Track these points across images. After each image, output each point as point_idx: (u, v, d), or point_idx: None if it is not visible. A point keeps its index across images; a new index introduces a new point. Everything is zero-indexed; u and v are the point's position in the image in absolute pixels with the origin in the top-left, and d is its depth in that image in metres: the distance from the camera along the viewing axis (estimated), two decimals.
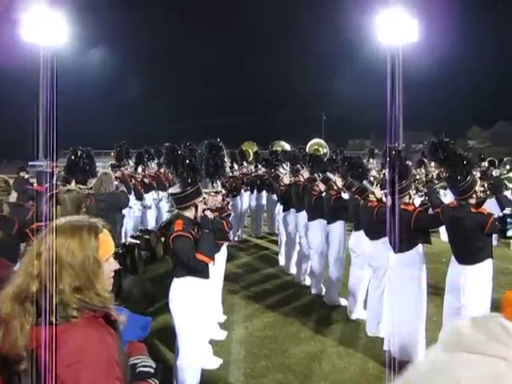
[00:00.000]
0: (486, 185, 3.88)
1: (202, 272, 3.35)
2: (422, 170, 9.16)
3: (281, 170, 7.88)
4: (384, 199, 4.71)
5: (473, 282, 3.52)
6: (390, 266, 4.21)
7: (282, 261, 7.58)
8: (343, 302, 5.61)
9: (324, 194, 5.87)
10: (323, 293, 5.96)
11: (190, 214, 3.44)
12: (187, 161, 3.55)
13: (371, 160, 9.83)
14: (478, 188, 3.63)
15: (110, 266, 1.30)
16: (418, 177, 8.01)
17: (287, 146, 11.53)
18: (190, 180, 3.48)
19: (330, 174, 5.82)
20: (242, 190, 9.79)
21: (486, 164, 10.30)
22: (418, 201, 4.98)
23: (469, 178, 3.55)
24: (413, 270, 3.97)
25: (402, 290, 4.00)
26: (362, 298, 5.15)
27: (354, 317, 5.17)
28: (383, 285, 4.52)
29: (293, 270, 7.03)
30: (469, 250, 3.54)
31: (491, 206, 3.56)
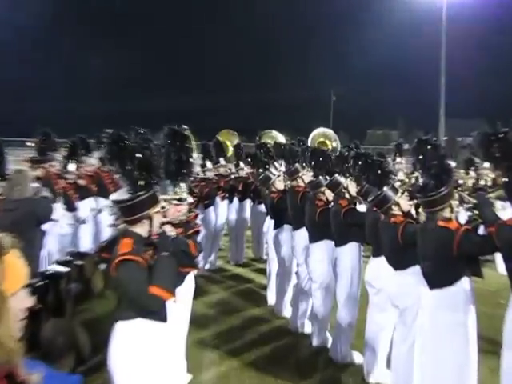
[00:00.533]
0: None
1: (157, 313, 3.34)
2: (471, 172, 9.32)
3: (272, 170, 7.95)
4: (413, 213, 4.87)
5: None
6: (423, 308, 4.26)
7: (271, 298, 7.71)
8: (358, 358, 5.66)
9: (332, 204, 5.96)
10: (329, 344, 6.02)
11: (141, 229, 3.44)
12: (139, 155, 3.53)
13: (398, 158, 9.98)
14: None
15: (21, 302, 1.29)
16: (463, 182, 8.13)
17: (281, 138, 11.69)
18: (142, 182, 3.47)
19: (340, 178, 5.93)
20: (218, 199, 9.91)
21: None
22: (463, 216, 5.06)
23: None
24: (456, 314, 4.04)
25: (439, 344, 4.04)
26: (385, 353, 5.19)
27: (372, 380, 5.20)
28: (413, 334, 4.56)
29: (287, 311, 7.13)
30: None
31: None
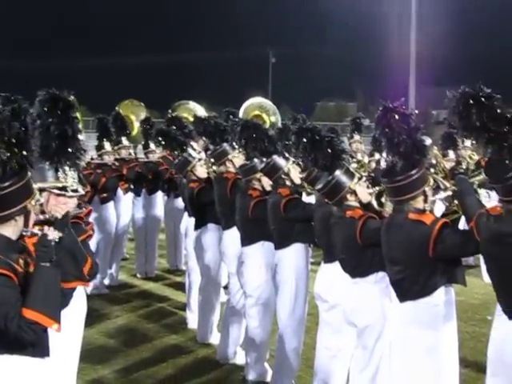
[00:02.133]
0: None
1: (34, 346, 3.25)
2: (451, 153, 9.53)
3: (191, 152, 7.86)
4: (375, 205, 4.91)
5: None
6: (391, 327, 4.32)
7: (192, 321, 7.67)
8: None
9: (270, 195, 5.96)
10: (268, 378, 6.04)
11: (10, 230, 3.32)
12: (7, 128, 3.38)
13: (356, 136, 10.12)
14: None
15: None
16: (440, 163, 8.28)
17: (201, 111, 11.62)
18: (12, 165, 3.33)
19: (279, 160, 5.93)
20: (119, 191, 9.79)
21: None
22: (439, 207, 5.14)
23: None
24: (433, 333, 4.10)
25: (411, 370, 4.09)
26: None
27: None
28: (377, 360, 4.62)
29: (213, 337, 7.11)
30: None
31: None
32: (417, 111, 4.72)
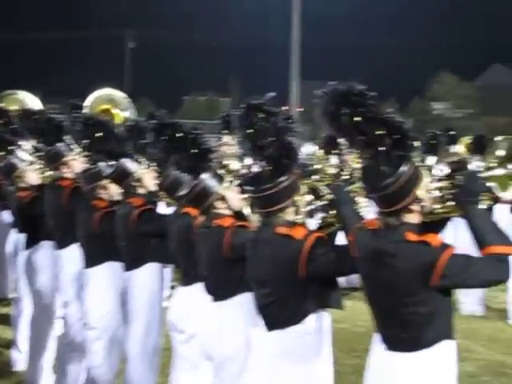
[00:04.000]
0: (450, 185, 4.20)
1: None
2: (332, 158, 9.82)
3: (20, 154, 7.68)
4: (249, 213, 4.94)
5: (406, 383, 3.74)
6: (256, 358, 4.34)
7: (20, 361, 7.59)
8: None
9: (119, 206, 6.00)
10: None
11: None
12: None
13: (226, 136, 10.23)
14: (425, 191, 3.81)
15: None
16: (325, 170, 8.52)
17: (35, 103, 11.39)
18: None
19: (130, 163, 5.99)
20: None
21: (460, 148, 11.60)
22: (315, 218, 5.23)
23: (404, 169, 3.87)
24: (301, 365, 4.18)
25: None
26: None
27: None
28: None
29: (46, 380, 6.95)
30: (403, 320, 3.78)
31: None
32: (302, 109, 4.77)
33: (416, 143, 3.75)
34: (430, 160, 10.83)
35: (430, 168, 10.22)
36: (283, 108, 5.23)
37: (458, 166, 7.19)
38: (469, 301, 10.31)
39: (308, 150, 11.52)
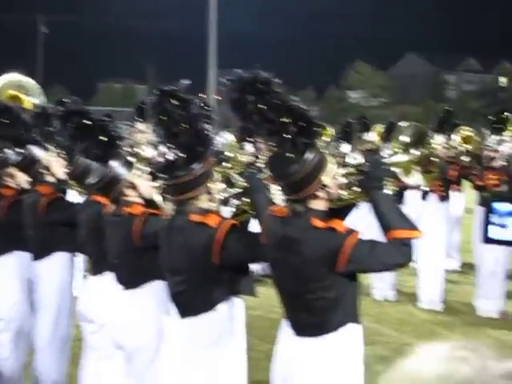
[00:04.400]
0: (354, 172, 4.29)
1: None
2: (248, 146, 9.84)
3: None
4: (161, 201, 4.98)
5: (321, 372, 3.84)
6: (169, 346, 4.37)
7: None
8: None
9: (27, 194, 5.93)
10: None
11: None
12: None
13: (140, 124, 10.15)
14: (331, 178, 3.89)
15: None
16: (238, 158, 8.56)
17: None
18: None
19: (38, 150, 5.93)
20: None
21: (373, 136, 11.85)
22: (231, 205, 5.27)
23: (309, 156, 3.89)
24: (213, 352, 4.24)
25: None
26: None
27: None
28: None
29: None
30: (310, 306, 3.88)
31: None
32: (219, 97, 4.74)
33: (330, 131, 3.85)
34: (345, 148, 11.10)
35: (344, 155, 10.58)
36: (200, 95, 5.21)
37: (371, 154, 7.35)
38: (381, 286, 10.58)
39: (225, 138, 11.61)
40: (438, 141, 10.08)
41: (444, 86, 69.66)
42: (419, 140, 4.42)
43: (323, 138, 13.13)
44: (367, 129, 12.00)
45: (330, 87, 66.86)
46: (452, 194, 10.67)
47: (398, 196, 9.89)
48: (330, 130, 12.37)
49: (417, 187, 4.24)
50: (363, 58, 67.50)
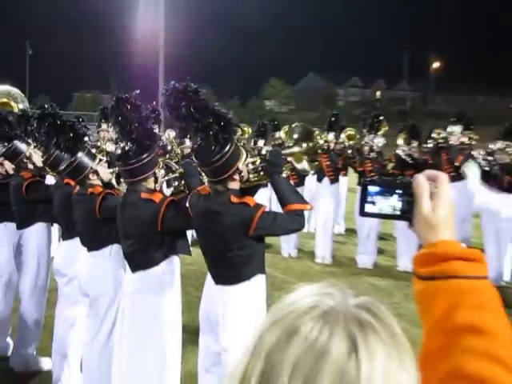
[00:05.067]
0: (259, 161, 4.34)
1: None
2: (187, 141, 9.84)
3: None
4: (115, 184, 5.07)
5: (236, 311, 3.87)
6: (124, 295, 4.37)
7: None
8: (46, 363, 5.62)
9: (13, 178, 5.80)
10: (9, 352, 5.89)
11: None
12: None
13: (104, 125, 10.00)
14: (243, 165, 3.93)
15: None
16: (176, 150, 8.56)
17: None
18: None
19: (21, 144, 5.81)
20: None
21: (281, 134, 12.08)
22: (170, 188, 5.34)
23: (228, 148, 3.85)
24: (157, 298, 4.23)
25: (139, 333, 4.20)
26: (78, 353, 5.13)
27: None
28: (108, 329, 4.65)
29: None
30: (229, 262, 3.90)
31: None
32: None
33: (248, 130, 3.87)
34: (260, 142, 11.24)
35: (260, 148, 10.57)
36: (154, 103, 5.25)
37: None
38: (287, 246, 10.81)
39: (168, 134, 11.64)
40: (329, 138, 10.37)
41: (335, 98, 71.15)
42: (307, 136, 4.47)
43: (243, 135, 13.18)
44: (277, 129, 12.29)
45: (251, 97, 67.36)
46: (340, 177, 11.03)
47: (300, 179, 10.14)
48: (249, 130, 12.72)
49: (304, 172, 4.34)
50: (276, 76, 69.56)
